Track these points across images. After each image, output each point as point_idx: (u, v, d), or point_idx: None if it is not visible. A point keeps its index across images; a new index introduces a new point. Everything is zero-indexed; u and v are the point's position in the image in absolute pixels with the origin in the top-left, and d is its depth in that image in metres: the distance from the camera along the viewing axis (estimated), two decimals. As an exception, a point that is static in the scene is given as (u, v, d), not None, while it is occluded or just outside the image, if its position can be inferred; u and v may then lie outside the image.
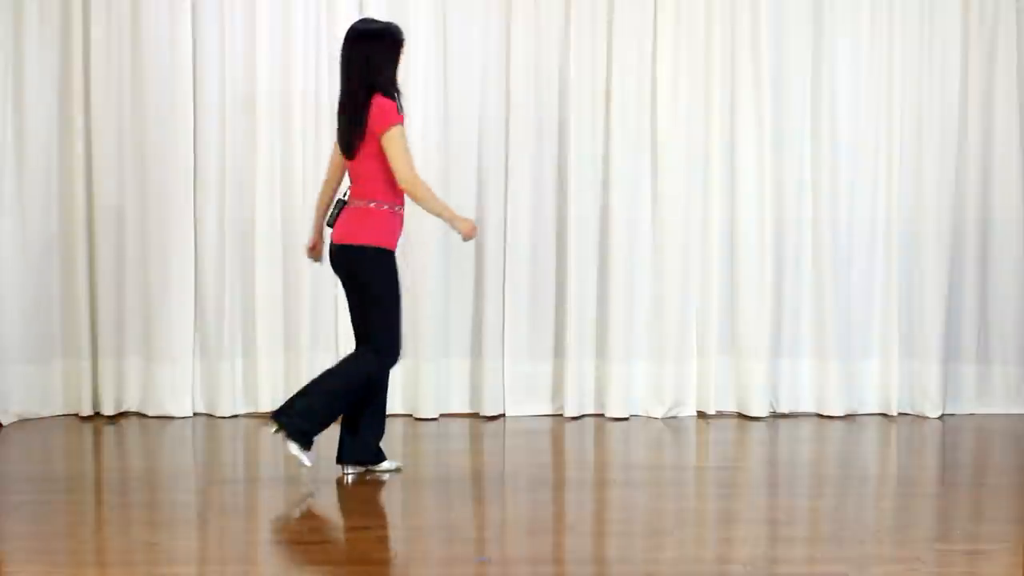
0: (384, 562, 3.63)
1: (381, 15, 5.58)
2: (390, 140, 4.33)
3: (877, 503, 4.37)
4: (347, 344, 5.66)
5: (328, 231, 4.52)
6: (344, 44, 4.48)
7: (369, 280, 4.41)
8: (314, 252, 4.70)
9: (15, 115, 5.49)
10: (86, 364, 5.56)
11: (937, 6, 5.76)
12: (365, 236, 4.38)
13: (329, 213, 4.53)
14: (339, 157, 4.55)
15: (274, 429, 4.38)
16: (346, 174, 4.54)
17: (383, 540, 3.86)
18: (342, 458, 4.52)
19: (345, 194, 4.49)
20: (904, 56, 5.74)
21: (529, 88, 5.68)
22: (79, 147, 5.53)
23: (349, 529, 3.99)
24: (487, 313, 5.67)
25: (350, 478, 4.48)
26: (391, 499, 4.34)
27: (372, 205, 4.39)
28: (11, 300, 5.48)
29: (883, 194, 5.78)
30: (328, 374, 4.49)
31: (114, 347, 5.61)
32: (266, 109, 5.60)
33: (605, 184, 5.70)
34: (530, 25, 5.65)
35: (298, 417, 4.34)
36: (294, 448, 4.34)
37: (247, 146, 5.62)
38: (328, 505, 4.31)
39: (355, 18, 5.59)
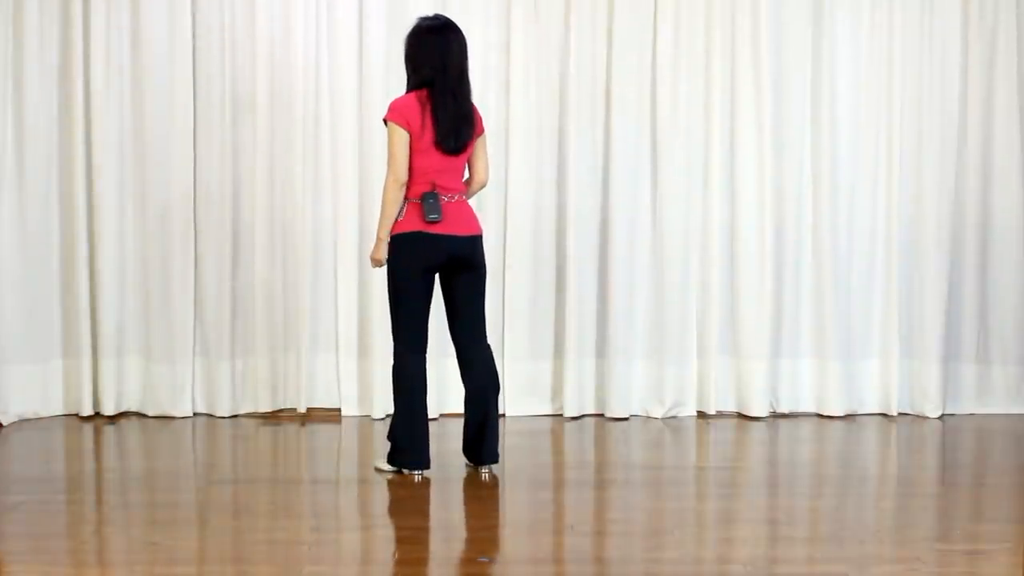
0: (384, 562, 3.63)
1: (381, 15, 5.61)
2: (485, 140, 4.64)
3: (877, 503, 4.37)
4: (347, 344, 5.68)
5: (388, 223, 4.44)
6: (438, 34, 4.43)
7: (485, 268, 4.62)
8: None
9: (15, 115, 5.49)
10: (86, 364, 5.56)
11: (937, 10, 5.76)
12: (480, 226, 4.60)
13: (428, 206, 4.39)
14: (408, 151, 4.39)
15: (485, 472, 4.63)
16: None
17: (383, 540, 3.86)
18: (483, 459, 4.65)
19: (433, 187, 4.41)
20: (904, 59, 5.74)
21: (529, 89, 5.68)
22: (79, 147, 5.53)
23: (349, 529, 3.99)
24: (486, 313, 5.65)
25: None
26: (391, 499, 4.34)
27: (467, 198, 4.56)
28: (11, 300, 5.48)
29: (883, 195, 5.78)
30: (496, 388, 4.61)
31: (114, 347, 5.61)
32: (266, 109, 5.60)
33: (605, 185, 5.71)
34: (530, 26, 5.65)
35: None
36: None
37: (247, 146, 5.62)
38: (328, 505, 4.31)
39: (355, 18, 5.62)
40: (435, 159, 4.42)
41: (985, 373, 5.90)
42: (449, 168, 4.46)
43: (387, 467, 4.58)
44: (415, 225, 4.41)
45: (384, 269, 4.56)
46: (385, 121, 4.43)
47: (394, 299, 4.52)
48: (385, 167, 4.44)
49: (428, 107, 4.39)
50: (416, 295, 4.50)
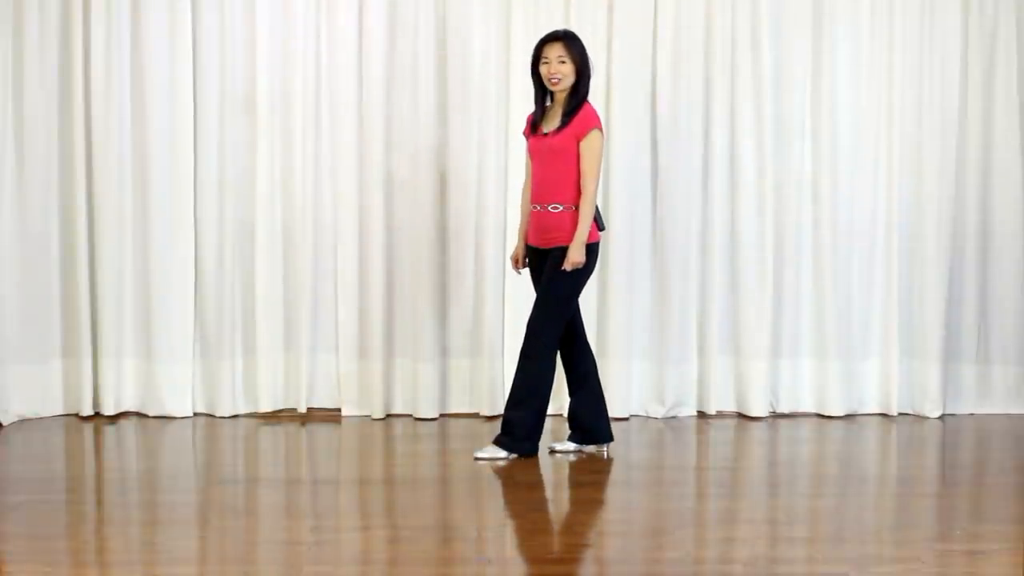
0: (385, 562, 3.63)
1: (381, 14, 5.61)
2: None
3: (877, 503, 4.37)
4: (347, 344, 5.67)
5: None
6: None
7: None
8: None
9: (15, 115, 5.48)
10: (86, 364, 5.55)
11: (937, 10, 5.76)
12: None
13: (599, 216, 4.86)
14: None
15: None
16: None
17: (383, 540, 3.86)
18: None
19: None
20: (904, 57, 5.74)
21: (529, 87, 5.65)
22: (79, 147, 5.53)
23: (349, 529, 3.99)
24: (487, 313, 5.66)
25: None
26: (391, 499, 4.34)
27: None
28: (11, 300, 5.48)
29: (883, 194, 5.78)
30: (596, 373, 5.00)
31: (114, 347, 5.61)
32: (266, 109, 5.60)
33: (605, 185, 5.69)
34: (530, 24, 5.65)
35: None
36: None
37: (247, 146, 5.62)
38: (328, 505, 4.31)
39: (355, 18, 5.62)
40: None
41: (985, 373, 5.90)
42: None
43: (500, 453, 4.76)
44: (597, 235, 4.82)
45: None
46: (591, 131, 4.72)
47: (567, 303, 4.83)
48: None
49: None
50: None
